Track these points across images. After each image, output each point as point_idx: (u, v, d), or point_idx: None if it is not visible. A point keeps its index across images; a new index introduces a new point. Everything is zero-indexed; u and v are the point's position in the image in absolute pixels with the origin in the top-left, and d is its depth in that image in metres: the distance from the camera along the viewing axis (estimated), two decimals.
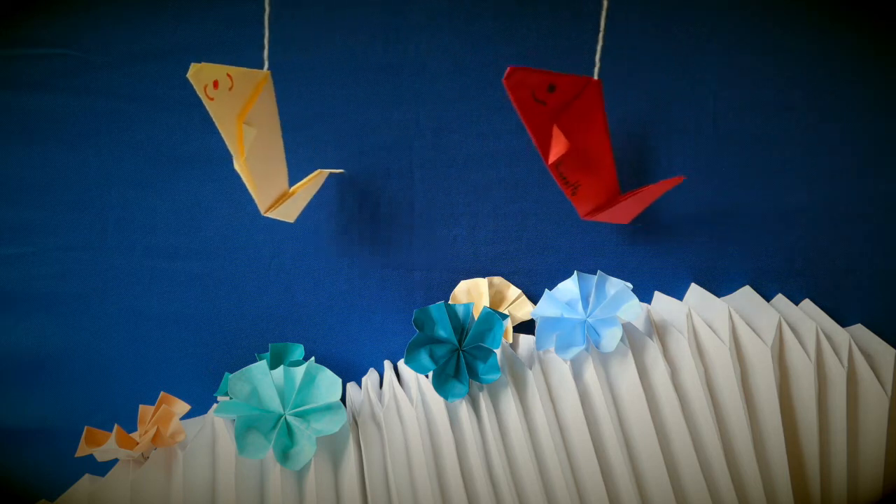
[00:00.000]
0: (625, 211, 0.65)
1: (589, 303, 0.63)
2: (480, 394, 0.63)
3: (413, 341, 0.61)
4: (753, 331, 0.65)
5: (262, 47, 0.58)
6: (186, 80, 0.66)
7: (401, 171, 0.68)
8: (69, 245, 0.67)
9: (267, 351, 0.66)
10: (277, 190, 0.61)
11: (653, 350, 0.63)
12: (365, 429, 0.62)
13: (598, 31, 0.57)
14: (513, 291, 0.69)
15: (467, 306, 0.63)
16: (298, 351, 0.67)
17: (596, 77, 0.58)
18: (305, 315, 0.69)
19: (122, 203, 0.67)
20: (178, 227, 0.68)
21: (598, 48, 0.57)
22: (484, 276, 0.69)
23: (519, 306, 0.68)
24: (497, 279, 0.69)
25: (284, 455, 0.59)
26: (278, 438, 0.59)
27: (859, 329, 0.69)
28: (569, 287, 0.64)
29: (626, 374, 0.63)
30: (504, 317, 0.63)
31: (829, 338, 0.66)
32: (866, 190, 0.68)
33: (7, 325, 0.67)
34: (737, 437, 0.62)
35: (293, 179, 0.63)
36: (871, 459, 0.64)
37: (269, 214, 0.60)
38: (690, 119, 0.68)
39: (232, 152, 0.55)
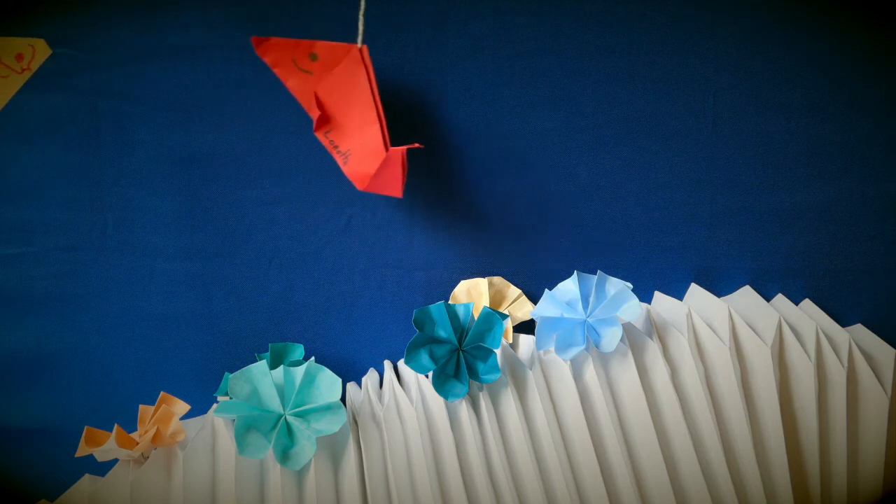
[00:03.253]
0: (387, 182, 0.62)
1: (589, 303, 0.63)
2: (480, 394, 0.63)
3: (413, 341, 0.61)
4: (753, 331, 0.65)
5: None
6: (187, 80, 0.67)
7: None
8: (69, 245, 0.67)
9: (267, 351, 0.66)
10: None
11: (653, 350, 0.63)
12: (365, 429, 0.62)
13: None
14: (513, 291, 0.69)
15: (467, 306, 0.63)
16: (298, 351, 0.67)
17: (360, 44, 0.58)
18: (305, 315, 0.69)
19: (122, 203, 0.67)
20: (178, 227, 0.68)
21: (361, 14, 0.58)
22: (484, 276, 0.69)
23: (519, 306, 0.68)
24: (497, 279, 0.69)
25: (284, 455, 0.59)
26: (278, 438, 0.59)
27: (859, 329, 0.69)
28: (569, 287, 0.64)
29: (626, 374, 0.63)
30: (504, 317, 0.63)
31: (829, 338, 0.66)
32: (866, 190, 0.69)
33: (7, 325, 0.67)
34: (737, 437, 0.62)
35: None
36: (871, 459, 0.64)
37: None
38: (690, 119, 0.68)
39: None
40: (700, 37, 0.67)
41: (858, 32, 0.67)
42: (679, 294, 0.69)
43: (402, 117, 0.67)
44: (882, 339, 0.68)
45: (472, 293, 0.68)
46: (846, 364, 0.65)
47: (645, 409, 0.61)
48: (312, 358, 0.62)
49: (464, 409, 0.62)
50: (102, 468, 0.62)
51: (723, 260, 0.69)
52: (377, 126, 0.60)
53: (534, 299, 0.69)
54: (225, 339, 0.68)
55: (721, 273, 0.69)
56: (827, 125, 0.68)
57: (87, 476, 0.63)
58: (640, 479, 0.61)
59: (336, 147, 0.60)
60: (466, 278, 0.69)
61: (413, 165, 0.68)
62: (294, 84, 0.59)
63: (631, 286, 0.63)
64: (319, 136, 0.60)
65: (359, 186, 0.62)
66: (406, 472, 0.61)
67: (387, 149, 0.61)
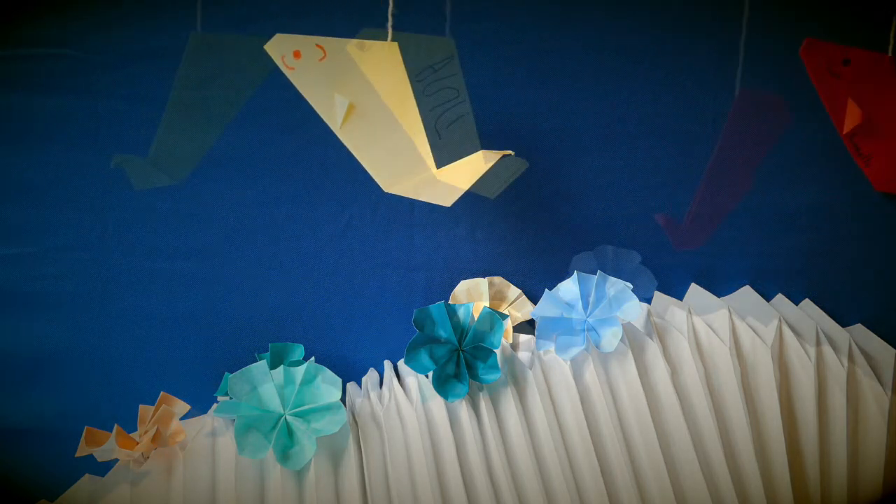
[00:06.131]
0: None
1: (589, 303, 0.63)
2: (480, 394, 0.63)
3: (413, 341, 0.61)
4: (753, 331, 0.65)
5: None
6: (186, 81, 0.67)
7: None
8: (69, 245, 0.67)
9: (267, 351, 0.66)
10: (407, 167, 0.58)
11: (653, 350, 0.63)
12: (365, 429, 0.62)
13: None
14: (513, 291, 0.69)
15: (467, 306, 0.63)
16: (298, 351, 0.67)
17: (890, 53, 0.62)
18: (305, 315, 0.69)
19: (122, 203, 0.67)
20: (178, 227, 0.68)
21: (893, 25, 0.61)
22: (484, 276, 0.69)
23: (519, 306, 0.68)
24: (497, 279, 0.69)
25: (284, 455, 0.59)
26: (278, 438, 0.59)
27: (859, 329, 0.69)
28: (569, 287, 0.64)
29: (626, 374, 0.63)
30: (504, 317, 0.63)
31: (829, 338, 0.66)
32: (866, 190, 0.69)
33: (7, 325, 0.67)
34: (737, 437, 0.62)
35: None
36: (871, 459, 0.64)
37: (395, 192, 0.58)
38: (690, 119, 0.68)
39: (329, 123, 0.56)
40: (700, 37, 0.67)
41: (858, 32, 0.67)
42: (679, 294, 0.69)
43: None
44: (882, 339, 0.68)
45: (472, 293, 0.68)
46: (846, 364, 0.65)
47: (645, 409, 0.61)
48: (312, 358, 0.62)
49: (464, 409, 0.62)
50: (102, 468, 0.62)
51: (723, 260, 0.69)
52: None
53: (534, 299, 0.69)
54: (225, 339, 0.68)
55: (721, 273, 0.69)
56: (827, 125, 0.68)
57: (87, 476, 0.63)
58: (640, 479, 0.61)
59: (858, 150, 0.64)
60: (466, 278, 0.69)
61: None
62: (823, 87, 0.63)
63: (631, 286, 0.63)
64: (846, 138, 0.64)
65: (877, 187, 0.67)
66: (406, 472, 0.61)
67: None
